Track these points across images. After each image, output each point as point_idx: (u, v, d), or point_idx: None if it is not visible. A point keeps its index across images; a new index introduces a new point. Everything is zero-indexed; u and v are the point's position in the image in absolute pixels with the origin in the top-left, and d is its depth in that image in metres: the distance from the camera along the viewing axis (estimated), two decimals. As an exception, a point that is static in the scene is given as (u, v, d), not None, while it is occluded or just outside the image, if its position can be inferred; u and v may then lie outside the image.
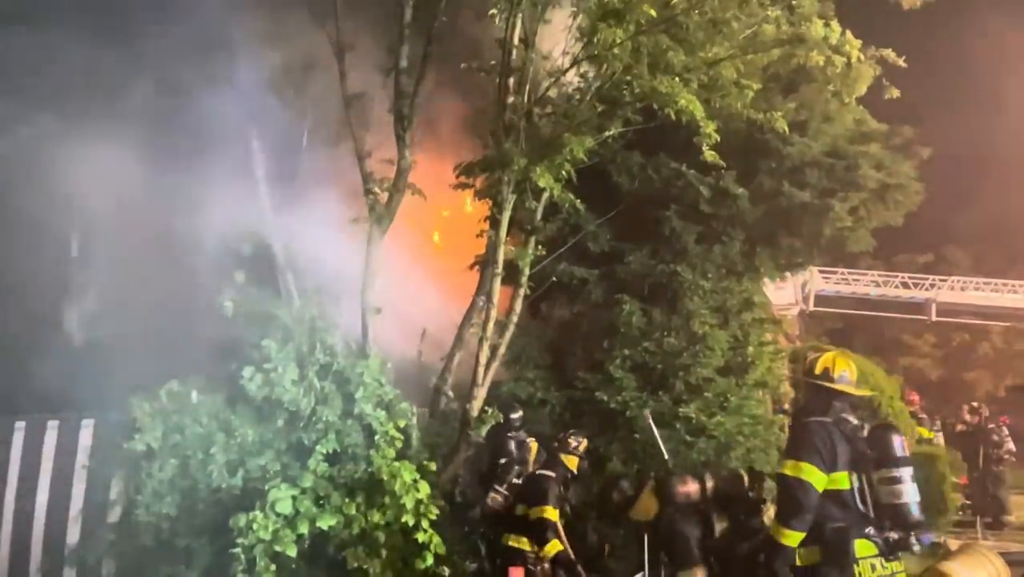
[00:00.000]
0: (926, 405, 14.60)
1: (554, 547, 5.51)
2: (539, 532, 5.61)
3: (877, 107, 8.45)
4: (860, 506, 3.83)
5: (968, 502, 12.11)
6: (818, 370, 4.08)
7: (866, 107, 8.88)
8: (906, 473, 3.80)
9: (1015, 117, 28.22)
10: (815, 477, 3.77)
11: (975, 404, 13.50)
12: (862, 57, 6.91)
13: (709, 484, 5.00)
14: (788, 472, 3.87)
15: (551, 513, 5.61)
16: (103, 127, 6.97)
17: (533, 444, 6.73)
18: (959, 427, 13.04)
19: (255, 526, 5.83)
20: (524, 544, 5.81)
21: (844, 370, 4.04)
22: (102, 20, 7.72)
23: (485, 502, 6.49)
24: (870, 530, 3.78)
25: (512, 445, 6.53)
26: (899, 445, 3.86)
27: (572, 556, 5.61)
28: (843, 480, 3.83)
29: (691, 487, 5.02)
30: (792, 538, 3.78)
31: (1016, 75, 27.17)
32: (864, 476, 3.86)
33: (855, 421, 3.97)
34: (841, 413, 3.98)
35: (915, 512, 3.77)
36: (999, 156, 30.81)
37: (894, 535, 3.78)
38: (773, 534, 3.86)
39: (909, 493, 3.77)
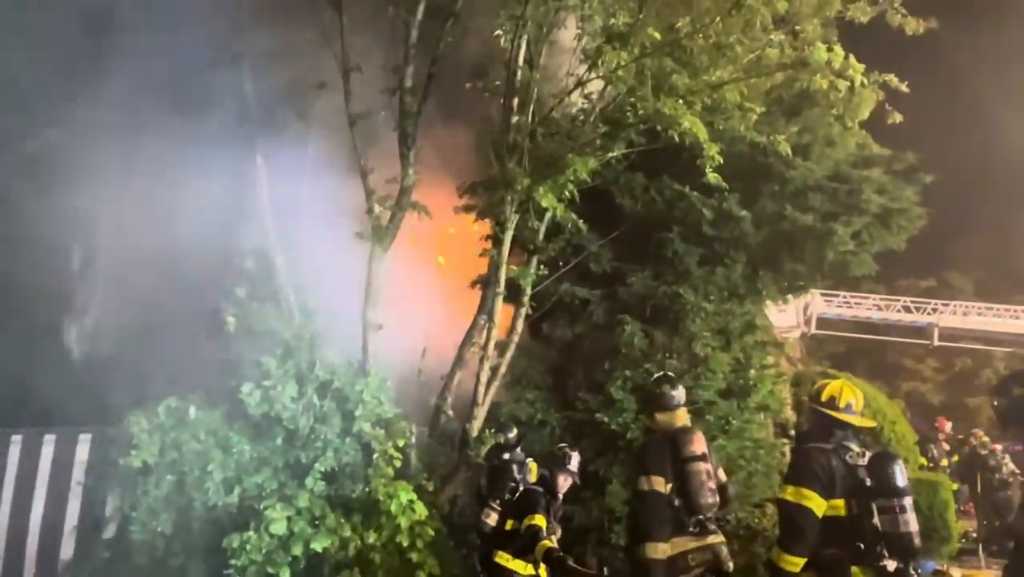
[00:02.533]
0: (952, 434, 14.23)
1: (543, 547, 5.51)
2: (531, 541, 5.62)
3: (880, 132, 8.47)
4: (858, 534, 3.80)
5: (969, 529, 11.98)
6: (824, 397, 4.07)
7: (869, 132, 8.91)
8: (907, 502, 3.75)
9: (1018, 143, 28.30)
10: (815, 503, 3.77)
11: (961, 437, 13.43)
12: (865, 82, 6.93)
13: None
14: (789, 497, 3.86)
15: (540, 520, 5.63)
16: (108, 142, 7.01)
17: (533, 465, 6.68)
18: (955, 457, 12.96)
19: (248, 547, 5.78)
20: (510, 562, 5.79)
21: (851, 399, 4.03)
22: (108, 37, 7.79)
23: (480, 519, 6.45)
24: (868, 558, 3.75)
25: (514, 468, 6.49)
26: (900, 474, 3.83)
27: (561, 552, 5.60)
28: (841, 507, 3.81)
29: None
30: (794, 564, 3.75)
31: (1019, 100, 27.29)
32: (862, 503, 3.83)
33: (856, 449, 3.94)
34: (843, 441, 3.96)
35: (916, 542, 3.73)
36: (1002, 182, 30.92)
37: (892, 564, 3.74)
38: (775, 560, 3.83)
39: (910, 522, 3.72)
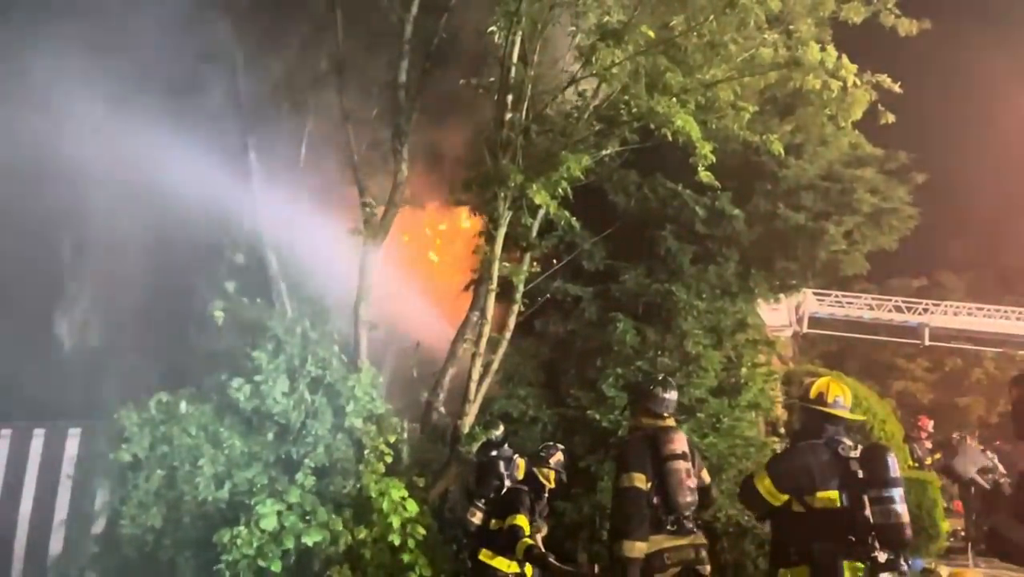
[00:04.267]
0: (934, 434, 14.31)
1: (523, 545, 5.52)
2: (511, 539, 5.64)
3: (873, 132, 8.51)
4: (850, 526, 3.83)
5: (959, 528, 12.05)
6: (813, 394, 4.14)
7: (861, 132, 8.94)
8: (897, 493, 3.81)
9: (1009, 144, 28.46)
10: (764, 485, 3.97)
11: (954, 435, 13.52)
12: (858, 82, 6.97)
13: None
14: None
15: (521, 520, 5.63)
16: (100, 135, 6.98)
17: (520, 462, 6.69)
18: (937, 455, 13.05)
19: (239, 542, 5.77)
20: (493, 560, 5.80)
21: (839, 395, 4.11)
22: (104, 28, 7.73)
23: (466, 518, 6.46)
24: (860, 550, 3.78)
25: (501, 465, 6.50)
26: (892, 465, 3.88)
27: (543, 549, 5.61)
28: (834, 498, 3.84)
29: None
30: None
31: (1011, 102, 27.42)
32: (854, 495, 3.86)
33: (848, 441, 4.00)
34: (834, 436, 4.01)
35: (906, 532, 3.78)
36: (994, 182, 31.09)
37: (883, 556, 3.78)
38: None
39: (900, 513, 3.77)
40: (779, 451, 4.35)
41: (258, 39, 7.70)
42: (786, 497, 3.92)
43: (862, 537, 3.81)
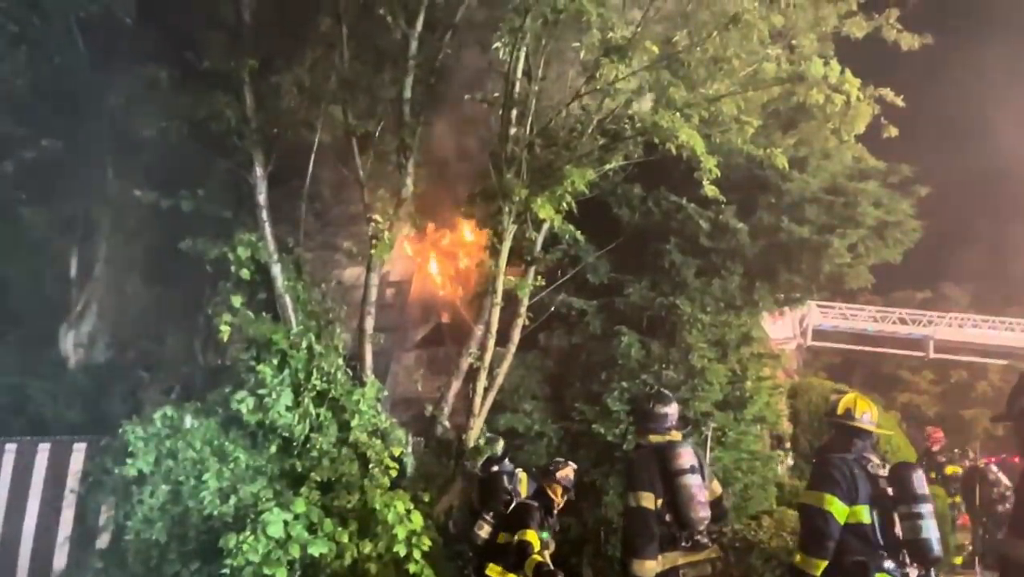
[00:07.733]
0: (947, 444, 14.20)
1: (532, 562, 5.47)
2: (519, 555, 5.59)
3: (876, 145, 8.52)
4: (880, 541, 3.85)
5: (964, 541, 11.96)
6: (840, 410, 4.18)
7: (865, 145, 8.96)
8: (926, 509, 3.85)
9: (1013, 156, 28.46)
10: (836, 508, 3.84)
11: (955, 450, 13.46)
12: (861, 96, 6.99)
13: None
14: (811, 502, 3.94)
15: (531, 536, 5.59)
16: (107, 151, 7.02)
17: (523, 476, 6.67)
18: (950, 468, 12.97)
19: (245, 548, 5.75)
20: (502, 575, 5.75)
21: (866, 411, 4.16)
22: (109, 44, 7.80)
23: (474, 531, 6.44)
24: (890, 565, 3.81)
25: (504, 479, 6.48)
26: (919, 482, 3.92)
27: (552, 567, 5.57)
28: (863, 514, 3.87)
29: None
30: (816, 567, 3.80)
31: (1013, 114, 27.44)
32: (884, 512, 3.88)
33: (876, 459, 4.03)
34: (863, 451, 4.06)
35: (936, 548, 3.80)
36: (997, 194, 31.07)
37: (914, 571, 3.81)
38: (798, 564, 3.88)
39: (930, 529, 3.80)
40: (813, 468, 4.29)
41: (264, 56, 7.75)
42: (857, 508, 3.87)
43: (893, 553, 3.82)
